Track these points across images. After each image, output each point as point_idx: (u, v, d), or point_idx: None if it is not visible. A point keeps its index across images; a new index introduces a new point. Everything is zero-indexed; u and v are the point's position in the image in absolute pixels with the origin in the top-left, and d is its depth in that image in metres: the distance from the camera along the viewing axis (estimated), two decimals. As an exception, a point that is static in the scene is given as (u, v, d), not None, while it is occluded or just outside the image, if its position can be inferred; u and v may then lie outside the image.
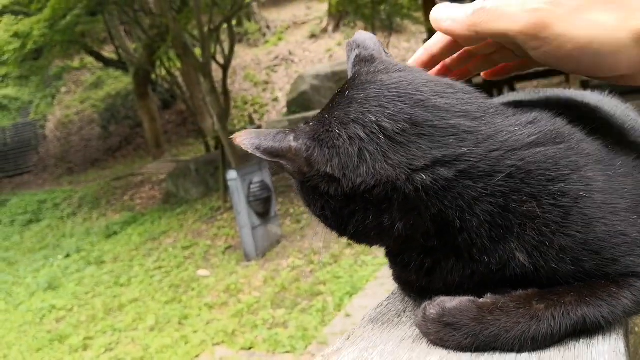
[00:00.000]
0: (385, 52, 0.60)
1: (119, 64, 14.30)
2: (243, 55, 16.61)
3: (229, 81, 10.32)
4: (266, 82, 15.77)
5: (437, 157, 0.45)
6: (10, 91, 17.31)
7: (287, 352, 3.94)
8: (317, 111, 0.54)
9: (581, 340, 0.46)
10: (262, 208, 5.75)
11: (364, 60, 0.57)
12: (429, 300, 0.49)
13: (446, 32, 0.54)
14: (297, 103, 12.96)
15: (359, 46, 0.59)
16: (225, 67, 8.63)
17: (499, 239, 0.46)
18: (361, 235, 0.50)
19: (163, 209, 9.38)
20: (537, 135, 0.47)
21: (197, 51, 8.74)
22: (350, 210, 0.48)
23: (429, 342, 0.48)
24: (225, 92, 8.73)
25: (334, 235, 0.52)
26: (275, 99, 15.15)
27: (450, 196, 0.45)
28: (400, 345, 0.50)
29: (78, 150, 16.60)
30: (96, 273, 6.70)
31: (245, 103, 15.44)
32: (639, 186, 0.48)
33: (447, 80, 0.52)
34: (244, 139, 0.49)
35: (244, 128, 9.62)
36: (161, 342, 4.41)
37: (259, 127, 9.25)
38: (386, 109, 0.47)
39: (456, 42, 0.56)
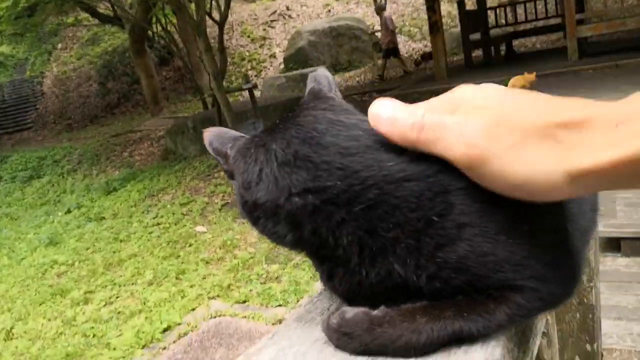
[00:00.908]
0: (335, 91, 0.67)
1: (115, 20, 14.07)
2: (240, 10, 16.31)
3: (225, 37, 10.19)
4: (263, 38, 15.56)
5: (309, 187, 0.52)
6: (5, 49, 17.12)
7: (280, 305, 4.11)
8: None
9: (462, 347, 0.51)
10: (257, 167, 5.81)
11: (310, 94, 0.65)
12: (332, 310, 0.57)
13: (384, 134, 0.53)
14: (295, 59, 12.83)
15: (314, 80, 0.67)
16: (221, 24, 8.51)
17: (374, 255, 0.52)
18: (271, 238, 0.58)
19: (162, 166, 9.46)
20: (409, 172, 0.52)
21: (193, 7, 8.61)
22: (258, 216, 0.57)
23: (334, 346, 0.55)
24: (222, 49, 8.64)
25: None
26: (273, 55, 14.98)
27: (320, 218, 0.52)
28: (312, 346, 0.56)
29: (76, 107, 16.55)
30: (96, 229, 6.84)
31: (243, 59, 15.28)
32: (517, 209, 0.51)
33: (356, 119, 0.58)
34: (207, 135, 0.60)
35: (239, 87, 9.59)
36: (159, 296, 4.58)
37: (255, 85, 9.18)
38: (285, 141, 0.55)
39: None
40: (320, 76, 0.68)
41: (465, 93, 0.49)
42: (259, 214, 0.56)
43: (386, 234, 0.51)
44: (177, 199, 7.17)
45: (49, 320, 4.68)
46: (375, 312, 0.53)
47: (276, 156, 0.54)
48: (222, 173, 7.56)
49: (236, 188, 0.59)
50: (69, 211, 8.03)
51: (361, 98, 11.08)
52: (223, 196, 6.84)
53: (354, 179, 0.52)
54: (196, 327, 4.06)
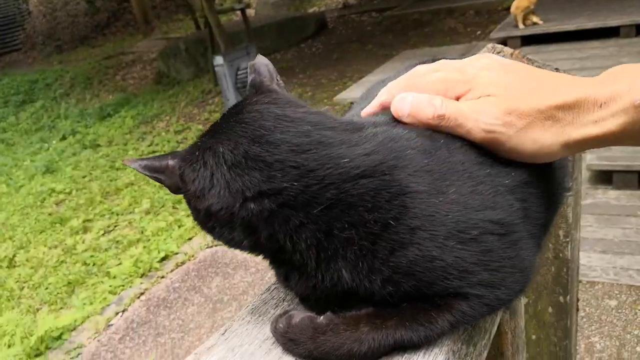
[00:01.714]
0: (278, 81, 0.63)
1: None
2: None
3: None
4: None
5: (263, 189, 0.50)
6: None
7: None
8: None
9: (405, 355, 0.51)
10: (251, 94, 5.72)
11: (253, 86, 0.61)
12: (279, 312, 0.56)
13: (407, 123, 0.58)
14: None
15: (255, 71, 0.63)
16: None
17: (328, 260, 0.51)
18: (228, 244, 0.57)
19: (155, 90, 9.31)
20: (364, 168, 0.50)
21: None
22: (212, 225, 0.55)
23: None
24: (212, -35, 8.21)
25: None
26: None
27: (277, 223, 0.50)
28: (261, 347, 0.56)
29: (65, 27, 15.99)
30: (92, 156, 6.85)
31: (236, -25, 14.56)
32: (467, 213, 0.51)
33: (302, 113, 0.55)
34: (131, 163, 0.57)
35: (231, 7, 9.21)
36: (156, 225, 4.66)
37: (247, 5, 8.84)
38: (232, 141, 0.52)
39: None
40: (260, 65, 0.64)
41: (474, 70, 0.57)
42: (213, 223, 0.54)
43: (340, 234, 0.50)
44: (172, 126, 7.12)
45: (50, 248, 4.80)
46: (320, 319, 0.53)
47: (224, 159, 0.52)
48: (216, 99, 7.46)
49: (187, 199, 0.57)
50: (64, 138, 8.00)
51: (360, 17, 10.70)
52: (217, 123, 6.78)
53: (311, 178, 0.50)
54: (193, 256, 4.18)
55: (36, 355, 3.42)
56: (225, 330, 0.61)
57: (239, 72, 5.56)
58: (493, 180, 0.55)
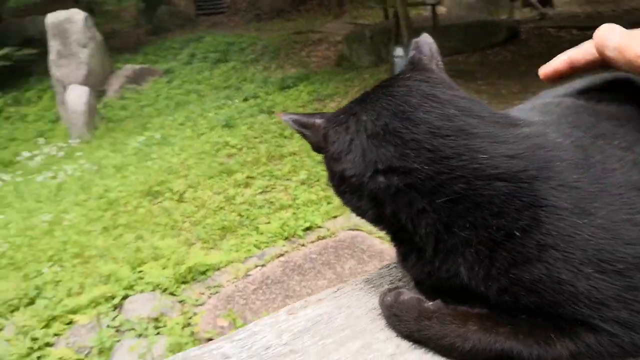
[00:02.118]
0: (437, 61, 0.63)
1: None
2: None
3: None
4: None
5: (395, 165, 0.50)
6: None
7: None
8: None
9: None
10: (425, 91, 5.68)
11: (411, 63, 0.62)
12: (391, 286, 0.57)
13: (606, 60, 0.53)
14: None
15: (416, 48, 0.64)
16: None
17: (447, 252, 0.50)
18: (354, 212, 0.58)
19: (334, 72, 9.67)
20: (502, 170, 0.47)
21: None
22: (343, 189, 0.57)
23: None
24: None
25: None
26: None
27: (401, 202, 0.50)
28: (367, 314, 0.58)
29: (267, -1, 17.29)
30: (265, 121, 7.37)
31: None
32: (615, 244, 0.46)
33: (452, 95, 0.54)
34: (283, 115, 0.62)
35: (422, 2, 9.16)
36: (307, 196, 4.91)
37: (438, 2, 8.71)
38: (375, 112, 0.53)
39: (602, 62, 0.55)
40: (423, 44, 0.64)
41: None
42: (345, 187, 0.57)
43: (459, 232, 0.49)
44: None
45: (214, 193, 5.31)
46: (428, 304, 0.53)
47: (366, 127, 0.53)
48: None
49: (326, 159, 0.60)
50: (245, 99, 8.71)
51: (557, 32, 9.98)
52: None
53: (442, 165, 0.49)
54: (334, 234, 4.33)
55: (183, 282, 3.84)
56: (338, 289, 0.64)
57: (419, 68, 5.54)
58: None
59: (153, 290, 3.77)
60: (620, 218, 0.47)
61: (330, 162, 0.57)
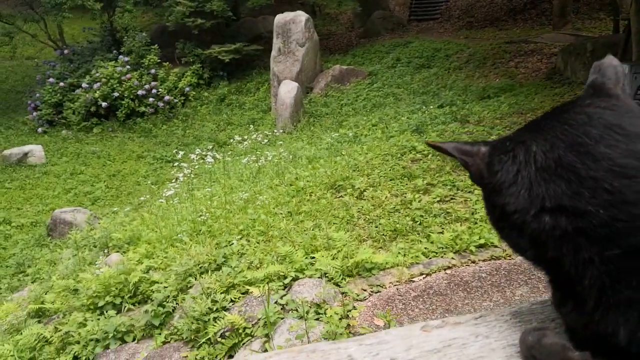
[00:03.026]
0: (623, 86, 0.54)
1: None
2: None
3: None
4: None
5: (565, 204, 0.44)
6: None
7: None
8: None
9: None
10: None
11: (592, 87, 0.55)
12: (536, 325, 0.52)
13: None
14: None
15: (599, 71, 0.56)
16: None
17: (610, 307, 0.44)
18: (512, 248, 0.54)
19: (542, 85, 9.02)
20: None
21: None
22: (502, 225, 0.53)
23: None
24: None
25: None
26: None
27: (567, 247, 0.45)
28: (504, 348, 0.54)
29: (482, 6, 16.77)
30: (457, 129, 7.21)
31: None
32: None
33: None
34: (442, 144, 0.59)
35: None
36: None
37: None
38: (548, 142, 0.48)
39: None
40: (607, 66, 0.56)
41: None
42: (504, 224, 0.53)
43: (626, 291, 0.43)
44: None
45: (392, 195, 5.38)
46: (574, 354, 0.48)
47: (535, 158, 0.48)
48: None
49: (485, 191, 0.56)
50: (441, 106, 8.62)
51: None
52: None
53: (622, 211, 0.43)
54: (510, 256, 4.06)
55: (348, 275, 3.98)
56: (480, 316, 0.61)
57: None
58: None
59: (320, 277, 3.98)
60: None
61: (491, 194, 0.54)
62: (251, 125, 10.53)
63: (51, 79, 14.23)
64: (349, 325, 3.48)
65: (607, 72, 0.56)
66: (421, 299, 3.80)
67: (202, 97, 13.82)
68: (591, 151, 0.45)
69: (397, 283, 3.94)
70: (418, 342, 0.56)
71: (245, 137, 9.52)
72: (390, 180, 5.72)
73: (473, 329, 0.59)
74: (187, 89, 13.79)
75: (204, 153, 8.57)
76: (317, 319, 3.49)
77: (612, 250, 0.42)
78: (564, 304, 0.51)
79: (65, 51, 15.57)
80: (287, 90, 10.48)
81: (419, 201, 5.13)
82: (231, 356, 3.44)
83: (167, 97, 13.41)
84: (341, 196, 5.57)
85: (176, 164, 9.10)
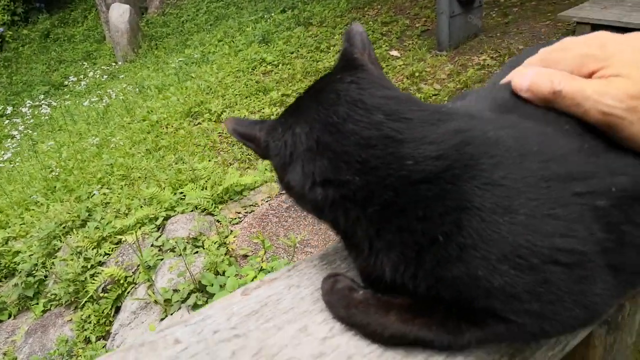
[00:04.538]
0: (370, 53, 0.60)
1: None
2: None
3: None
4: None
5: (330, 178, 0.51)
6: None
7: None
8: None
9: (427, 351, 0.53)
10: (467, -5, 5.37)
11: (343, 57, 0.60)
12: (331, 272, 0.60)
13: (524, 98, 0.57)
14: None
15: (347, 40, 0.61)
16: None
17: (378, 252, 0.53)
18: (303, 211, 0.60)
19: (375, -25, 9.17)
20: (427, 173, 0.48)
21: None
22: (291, 195, 0.59)
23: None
24: None
25: None
26: None
27: (338, 212, 0.53)
28: (312, 294, 0.60)
29: None
30: (302, 34, 7.20)
31: None
32: (533, 239, 0.47)
33: (381, 97, 0.53)
34: (228, 124, 0.61)
35: None
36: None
37: None
38: (307, 124, 0.53)
39: None
40: (354, 34, 0.62)
41: (616, 48, 0.53)
42: (292, 194, 0.59)
43: (387, 236, 0.51)
44: (380, 16, 7.06)
45: (250, 113, 5.37)
46: (357, 294, 0.57)
47: (301, 140, 0.54)
48: (431, -6, 7.12)
49: (274, 166, 0.61)
50: (283, 11, 8.48)
51: None
52: (425, 21, 6.54)
53: (372, 176, 0.50)
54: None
55: (220, 202, 4.02)
56: (293, 267, 0.66)
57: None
58: (581, 202, 0.49)
59: (192, 211, 3.98)
60: (542, 213, 0.48)
61: (276, 170, 0.59)
62: (86, 61, 9.60)
63: None
64: (228, 250, 3.58)
65: (355, 41, 0.61)
66: (293, 209, 3.98)
67: (21, 36, 12.19)
68: (341, 130, 0.52)
69: (269, 199, 4.07)
70: (238, 308, 0.59)
71: (82, 75, 8.69)
72: (246, 98, 5.68)
73: (287, 281, 0.63)
74: (1, 29, 12.06)
75: (37, 103, 7.72)
76: (196, 252, 3.54)
77: (372, 207, 0.50)
78: (350, 252, 0.60)
79: None
80: (119, 14, 9.57)
81: (278, 114, 5.18)
82: (118, 307, 3.42)
83: (-23, 43, 11.65)
84: (199, 123, 5.44)
85: (7, 121, 8.13)
